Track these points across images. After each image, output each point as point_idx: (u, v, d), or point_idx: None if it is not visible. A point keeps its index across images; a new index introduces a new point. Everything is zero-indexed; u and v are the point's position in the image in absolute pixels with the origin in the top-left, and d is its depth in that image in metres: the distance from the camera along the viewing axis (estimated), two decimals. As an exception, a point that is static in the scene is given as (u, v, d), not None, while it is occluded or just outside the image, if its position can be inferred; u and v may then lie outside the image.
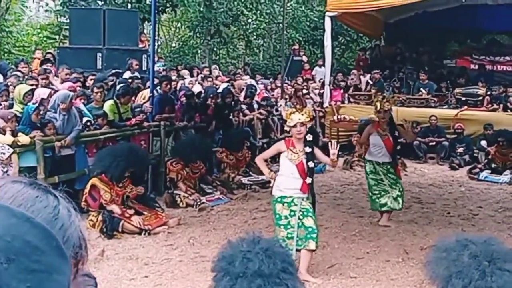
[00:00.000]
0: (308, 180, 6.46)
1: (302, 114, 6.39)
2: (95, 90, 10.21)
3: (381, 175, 8.63)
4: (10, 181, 1.04)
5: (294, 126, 6.41)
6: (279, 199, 6.52)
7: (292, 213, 6.42)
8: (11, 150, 7.76)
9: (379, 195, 8.65)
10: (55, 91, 9.46)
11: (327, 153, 6.60)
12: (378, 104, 8.51)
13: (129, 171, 8.43)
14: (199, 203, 9.60)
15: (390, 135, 8.52)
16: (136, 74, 12.70)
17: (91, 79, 11.38)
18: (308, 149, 6.45)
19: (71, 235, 1.01)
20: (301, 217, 6.40)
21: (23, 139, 8.02)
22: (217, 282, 2.64)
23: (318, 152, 6.59)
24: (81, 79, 11.49)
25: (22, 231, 0.87)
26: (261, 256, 2.59)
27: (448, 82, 17.06)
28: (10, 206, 0.91)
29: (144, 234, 8.00)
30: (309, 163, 6.46)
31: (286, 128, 6.76)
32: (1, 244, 0.84)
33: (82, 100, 10.04)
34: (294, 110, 6.53)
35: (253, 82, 16.59)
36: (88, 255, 1.11)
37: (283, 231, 6.41)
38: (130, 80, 11.76)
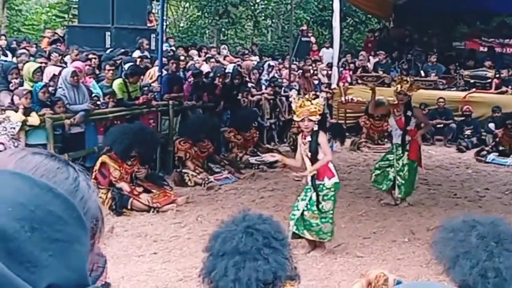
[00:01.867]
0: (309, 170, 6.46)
1: (312, 104, 6.27)
2: (107, 68, 10.24)
3: (392, 158, 8.70)
4: (30, 152, 1.03)
5: (302, 120, 6.36)
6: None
7: (304, 197, 6.56)
8: (20, 124, 7.82)
9: (380, 176, 8.77)
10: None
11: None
12: (400, 85, 8.61)
13: (135, 151, 8.46)
14: (207, 182, 9.65)
15: (403, 115, 8.57)
16: (146, 53, 12.70)
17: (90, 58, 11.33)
18: (309, 138, 6.42)
19: (90, 207, 1.02)
20: (305, 207, 6.51)
21: (33, 119, 8.06)
22: (204, 262, 2.74)
23: (321, 141, 6.47)
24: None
25: (45, 201, 0.88)
26: (241, 234, 2.68)
27: (457, 64, 17.00)
28: (32, 176, 0.92)
29: (153, 211, 8.08)
30: (307, 152, 6.46)
31: (296, 119, 6.60)
32: (25, 213, 0.85)
33: (92, 79, 10.08)
34: (303, 102, 6.34)
35: (270, 62, 16.61)
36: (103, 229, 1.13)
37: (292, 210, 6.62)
38: (139, 60, 11.77)
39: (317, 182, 6.48)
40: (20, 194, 0.88)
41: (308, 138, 6.42)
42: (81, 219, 0.93)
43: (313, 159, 6.44)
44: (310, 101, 6.31)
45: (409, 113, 8.59)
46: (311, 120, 6.30)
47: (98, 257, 2.19)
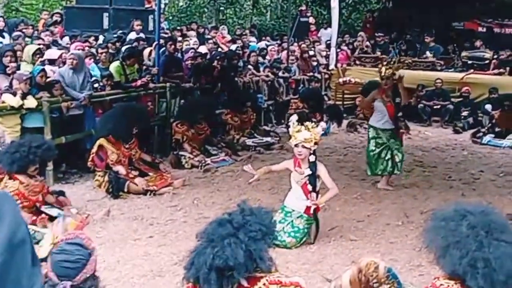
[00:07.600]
0: (309, 203, 6.35)
1: (309, 131, 6.20)
2: (100, 50, 10.29)
3: (385, 140, 8.70)
4: None
5: (296, 145, 6.27)
6: (281, 208, 6.58)
7: (282, 220, 6.38)
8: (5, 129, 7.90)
9: (377, 161, 8.75)
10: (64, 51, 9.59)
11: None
12: (382, 70, 8.57)
13: (135, 128, 8.52)
14: (204, 164, 9.71)
15: (392, 101, 8.57)
16: (141, 35, 12.66)
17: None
18: (308, 171, 6.31)
19: None
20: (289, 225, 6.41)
21: (30, 102, 8.10)
22: (196, 246, 2.84)
23: (322, 173, 6.40)
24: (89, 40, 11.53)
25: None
26: (215, 224, 2.86)
27: (455, 45, 16.97)
28: None
29: (149, 194, 8.13)
30: (308, 186, 6.35)
31: (291, 144, 6.46)
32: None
33: (92, 60, 10.11)
34: (300, 128, 6.27)
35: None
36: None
37: None
38: (136, 42, 11.76)
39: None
40: None
41: (307, 171, 6.31)
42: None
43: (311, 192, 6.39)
44: (309, 128, 6.25)
45: (397, 99, 8.61)
46: (304, 147, 6.21)
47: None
